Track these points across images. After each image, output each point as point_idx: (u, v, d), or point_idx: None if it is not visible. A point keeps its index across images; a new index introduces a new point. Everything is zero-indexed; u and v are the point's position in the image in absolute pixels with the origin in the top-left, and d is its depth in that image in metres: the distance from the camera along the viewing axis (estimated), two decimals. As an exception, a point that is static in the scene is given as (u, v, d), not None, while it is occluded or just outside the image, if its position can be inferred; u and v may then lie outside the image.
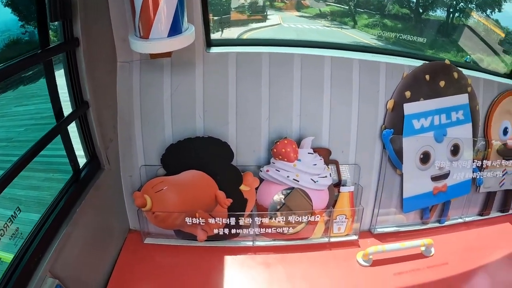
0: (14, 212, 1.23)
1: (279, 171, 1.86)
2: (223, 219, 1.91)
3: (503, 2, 2.97)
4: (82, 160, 1.79)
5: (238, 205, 1.91)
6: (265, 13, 3.73)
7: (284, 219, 1.92)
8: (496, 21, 3.11)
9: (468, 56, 2.84)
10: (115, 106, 1.95)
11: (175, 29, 1.56)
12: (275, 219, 1.92)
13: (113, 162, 1.92)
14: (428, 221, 2.32)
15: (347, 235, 2.10)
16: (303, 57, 1.93)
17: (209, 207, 1.92)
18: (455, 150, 2.23)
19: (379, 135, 2.08)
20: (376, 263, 2.00)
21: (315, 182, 1.88)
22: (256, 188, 1.95)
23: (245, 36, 3.45)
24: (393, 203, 2.20)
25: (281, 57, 1.93)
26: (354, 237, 2.11)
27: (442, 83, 2.14)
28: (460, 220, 2.42)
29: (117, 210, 2.05)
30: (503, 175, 2.44)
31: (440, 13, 3.69)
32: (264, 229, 1.95)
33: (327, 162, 1.97)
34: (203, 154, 1.89)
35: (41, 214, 1.42)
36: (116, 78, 1.92)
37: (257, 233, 1.97)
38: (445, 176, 2.23)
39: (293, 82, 1.94)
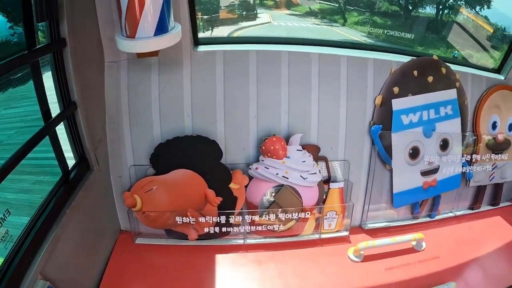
0: (4, 215, 1.22)
1: (268, 168, 1.86)
2: (214, 218, 1.91)
3: (491, -2, 2.99)
4: (72, 162, 1.78)
5: (228, 203, 1.91)
6: (255, 12, 3.72)
7: (274, 217, 1.92)
8: (485, 17, 3.13)
9: (456, 52, 2.86)
10: (103, 106, 1.94)
11: (161, 28, 1.56)
12: (265, 216, 1.91)
13: (102, 163, 1.91)
14: (419, 216, 2.34)
15: (337, 231, 2.11)
16: (291, 54, 1.94)
17: (199, 206, 1.92)
18: (444, 145, 2.24)
19: (368, 131, 2.09)
20: (367, 258, 2.01)
21: (304, 179, 1.88)
22: (246, 186, 1.95)
23: (235, 35, 3.44)
24: (383, 199, 2.21)
25: (269, 55, 1.93)
26: (345, 233, 2.12)
27: (430, 79, 2.16)
28: (450, 214, 2.44)
29: (107, 211, 2.04)
30: (492, 169, 2.46)
31: (429, 10, 3.71)
32: (254, 226, 1.95)
33: (316, 158, 1.97)
34: (192, 153, 1.88)
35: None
36: (104, 78, 1.90)
37: (247, 231, 1.97)
38: (435, 170, 2.25)
39: (281, 80, 1.94)
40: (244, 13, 3.61)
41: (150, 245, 2.04)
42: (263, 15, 3.86)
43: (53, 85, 1.62)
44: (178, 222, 1.89)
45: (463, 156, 2.32)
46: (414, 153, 2.16)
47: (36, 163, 2.97)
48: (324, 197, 2.06)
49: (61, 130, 1.71)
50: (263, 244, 2.02)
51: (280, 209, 1.92)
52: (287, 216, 1.92)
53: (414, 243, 2.12)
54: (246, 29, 3.62)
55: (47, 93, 1.59)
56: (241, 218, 1.92)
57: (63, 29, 1.48)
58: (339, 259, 1.99)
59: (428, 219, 2.37)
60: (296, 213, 1.93)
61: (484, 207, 2.58)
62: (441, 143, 2.23)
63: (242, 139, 1.97)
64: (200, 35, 2.72)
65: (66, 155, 1.73)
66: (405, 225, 2.30)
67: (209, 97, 1.92)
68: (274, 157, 1.85)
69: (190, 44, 1.90)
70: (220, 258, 1.95)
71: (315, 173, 1.91)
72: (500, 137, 2.41)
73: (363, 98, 2.04)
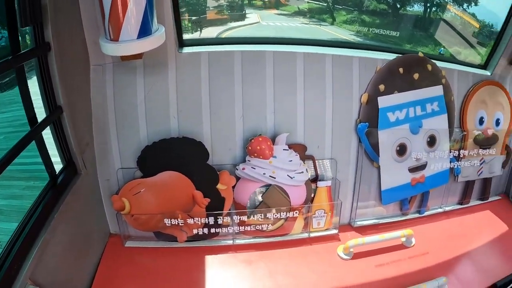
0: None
1: (255, 168, 1.86)
2: (202, 219, 1.91)
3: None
4: (59, 166, 1.78)
5: (216, 204, 1.91)
6: (244, 12, 3.72)
7: (262, 216, 1.92)
8: (473, 14, 3.15)
9: (442, 48, 2.88)
10: (89, 109, 1.93)
11: (144, 30, 1.55)
12: (253, 216, 1.91)
13: (90, 167, 1.90)
14: (408, 212, 2.35)
15: (327, 229, 2.12)
16: (276, 54, 1.94)
17: (187, 207, 1.92)
18: (431, 141, 2.26)
19: (355, 129, 2.10)
20: (357, 256, 2.02)
21: (291, 178, 1.88)
22: (233, 187, 1.95)
23: (224, 35, 3.44)
24: (371, 196, 2.22)
25: (253, 55, 1.93)
26: (334, 231, 2.12)
27: (416, 76, 2.17)
28: (440, 210, 2.46)
29: (96, 214, 2.03)
30: (480, 164, 2.48)
31: (417, 8, 3.73)
32: (243, 227, 1.95)
33: (303, 157, 1.98)
34: (178, 154, 1.88)
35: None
36: (90, 82, 1.90)
37: (236, 231, 1.97)
38: (423, 167, 2.26)
39: (266, 80, 1.94)
40: (233, 13, 3.61)
41: (140, 248, 2.03)
42: (252, 15, 3.85)
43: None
44: (167, 224, 1.89)
45: (450, 152, 2.33)
46: (401, 150, 2.17)
47: (25, 169, 2.96)
48: (312, 195, 2.06)
49: (48, 134, 1.71)
50: (253, 244, 2.02)
51: (268, 209, 1.92)
52: (276, 215, 1.92)
53: (403, 239, 2.13)
54: (235, 29, 3.62)
55: (35, 98, 1.59)
56: (229, 218, 1.91)
57: (48, 34, 1.47)
58: (328, 257, 2.00)
59: (417, 215, 2.39)
60: (285, 213, 1.93)
61: (474, 202, 2.60)
62: (428, 139, 2.24)
63: (229, 140, 1.97)
64: (189, 36, 2.72)
65: (53, 159, 1.72)
66: (395, 221, 2.31)
67: (194, 99, 1.92)
68: (261, 157, 1.85)
69: (174, 45, 1.89)
70: (210, 259, 1.95)
71: (302, 172, 1.92)
72: (490, 131, 2.43)
73: (349, 96, 2.04)
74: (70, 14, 1.66)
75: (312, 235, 2.09)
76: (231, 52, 1.91)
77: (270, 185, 1.91)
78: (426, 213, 2.41)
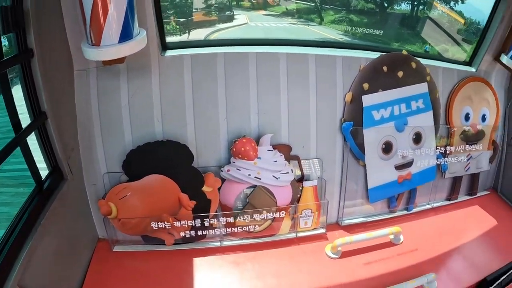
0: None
1: (240, 170, 1.87)
2: (189, 222, 1.90)
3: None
4: (46, 172, 1.77)
5: (202, 207, 1.91)
6: (232, 13, 3.72)
7: (249, 218, 1.92)
8: (460, 12, 3.17)
9: (428, 46, 2.90)
10: (74, 114, 1.93)
11: (126, 34, 1.55)
12: (240, 218, 1.91)
13: (76, 172, 1.90)
14: (396, 210, 2.36)
15: (314, 229, 2.12)
16: (258, 55, 1.95)
17: (173, 210, 1.91)
18: (417, 138, 2.27)
19: (339, 128, 2.11)
20: (345, 254, 2.03)
21: (277, 178, 1.89)
22: (219, 188, 1.95)
23: (212, 37, 3.43)
24: (359, 194, 2.23)
25: (236, 57, 1.94)
26: (322, 231, 2.13)
27: (400, 74, 2.18)
28: (428, 206, 2.47)
29: (84, 219, 2.02)
30: (467, 160, 2.49)
31: (405, 7, 3.74)
32: (230, 228, 1.95)
33: (288, 158, 1.98)
34: (163, 158, 1.88)
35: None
36: (74, 87, 1.89)
37: (223, 233, 1.97)
38: (409, 164, 2.27)
39: (249, 81, 1.95)
40: (221, 15, 3.61)
41: (128, 252, 2.02)
42: (240, 16, 3.85)
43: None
44: (154, 228, 1.88)
45: (437, 149, 2.34)
46: (387, 148, 2.18)
47: (15, 175, 2.95)
48: (299, 195, 2.06)
49: (34, 140, 1.70)
50: (240, 245, 2.03)
51: (254, 210, 1.92)
52: (262, 216, 1.92)
53: (391, 236, 2.14)
54: (223, 30, 3.61)
55: (20, 104, 1.59)
56: (216, 220, 1.91)
57: (30, 40, 1.47)
58: (316, 256, 2.00)
59: (405, 212, 2.40)
60: (271, 213, 1.93)
61: (462, 197, 2.62)
62: (414, 136, 2.25)
63: (213, 142, 1.97)
64: (178, 38, 2.72)
65: (39, 165, 1.72)
66: (383, 219, 2.32)
67: (178, 101, 1.92)
68: (245, 158, 1.86)
69: (157, 49, 1.89)
70: (198, 261, 1.95)
71: (288, 172, 1.92)
72: (479, 126, 2.45)
73: (333, 96, 2.05)
74: (52, 20, 1.66)
75: (300, 235, 2.09)
76: (214, 54, 1.92)
77: (256, 186, 1.91)
78: (414, 210, 2.42)
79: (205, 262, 1.94)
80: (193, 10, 3.47)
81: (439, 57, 2.61)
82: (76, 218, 1.92)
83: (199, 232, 1.95)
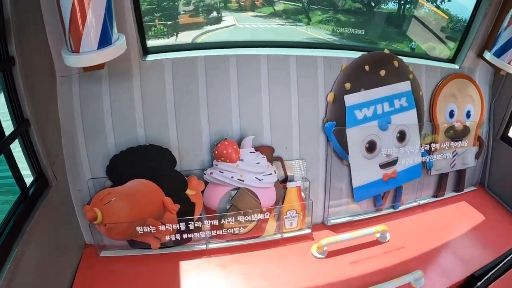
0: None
1: (222, 172, 1.87)
2: (174, 225, 1.91)
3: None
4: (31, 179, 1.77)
5: (186, 210, 1.92)
6: (220, 15, 3.73)
7: (233, 220, 1.92)
8: (446, 10, 3.18)
9: (413, 43, 2.91)
10: (57, 121, 1.92)
11: (105, 40, 1.56)
12: (224, 220, 1.92)
13: (61, 178, 1.90)
14: (382, 208, 2.37)
15: (300, 229, 2.12)
16: (239, 58, 1.95)
17: (158, 214, 1.92)
18: (401, 137, 2.28)
19: (322, 128, 2.11)
20: (331, 254, 2.03)
21: (260, 180, 1.89)
22: (203, 191, 1.95)
23: (200, 39, 3.43)
24: (344, 194, 2.23)
25: (216, 60, 1.94)
26: (308, 231, 2.13)
27: (382, 73, 2.19)
28: (414, 204, 2.48)
29: (70, 226, 2.02)
30: (453, 156, 2.50)
31: (392, 6, 3.75)
32: (215, 231, 1.96)
33: (271, 159, 1.99)
34: (146, 162, 1.88)
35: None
36: (57, 93, 1.89)
37: (209, 236, 1.97)
38: (394, 162, 2.28)
39: (230, 83, 1.95)
40: (209, 17, 3.61)
41: (115, 257, 2.02)
42: (228, 18, 3.86)
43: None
44: (139, 232, 1.89)
45: (422, 146, 2.35)
46: (371, 147, 2.18)
47: (2, 183, 2.94)
48: (283, 197, 2.06)
49: (18, 147, 1.71)
50: (226, 247, 2.03)
51: (238, 212, 1.92)
52: (247, 218, 1.92)
53: (378, 235, 2.15)
54: (211, 32, 3.61)
55: (3, 111, 1.59)
56: (200, 223, 1.92)
57: (11, 48, 1.47)
58: (303, 257, 2.01)
59: (391, 210, 2.41)
60: (256, 215, 1.94)
61: (449, 194, 2.63)
62: (398, 135, 2.26)
63: (196, 145, 1.97)
64: (165, 41, 2.71)
65: (24, 172, 1.72)
66: (369, 218, 2.33)
67: (160, 106, 1.93)
68: (228, 160, 1.86)
69: (138, 54, 1.90)
70: (184, 265, 1.95)
71: (271, 173, 1.93)
72: (463, 123, 2.46)
73: (315, 96, 2.06)
74: (34, 28, 1.66)
75: (286, 235, 2.10)
76: (195, 58, 1.92)
77: (239, 188, 1.92)
78: (401, 208, 2.43)
79: (192, 265, 1.95)
80: (181, 12, 3.47)
81: (422, 55, 2.62)
82: (62, 224, 1.92)
83: (185, 236, 1.95)
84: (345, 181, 2.20)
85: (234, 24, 3.86)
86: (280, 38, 3.56)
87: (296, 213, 2.05)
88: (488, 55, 2.40)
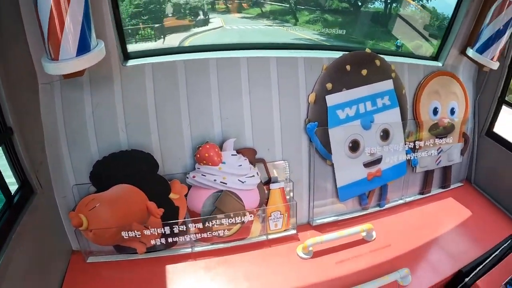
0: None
1: (205, 175, 1.88)
2: (158, 229, 1.91)
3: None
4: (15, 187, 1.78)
5: (170, 214, 1.92)
6: (207, 17, 3.73)
7: (217, 223, 1.93)
8: (433, 8, 3.20)
9: (398, 40, 2.92)
10: (40, 128, 1.93)
11: (83, 47, 1.56)
12: (209, 223, 1.92)
13: (45, 185, 1.90)
14: (368, 207, 2.37)
15: (285, 230, 2.13)
16: (219, 61, 1.96)
17: (142, 219, 1.92)
18: (385, 135, 2.29)
19: (304, 129, 2.12)
20: (317, 254, 2.04)
21: (243, 182, 1.90)
22: (186, 195, 1.96)
23: (187, 41, 3.44)
24: (328, 194, 2.24)
25: (196, 63, 1.95)
26: (293, 232, 2.14)
27: (364, 72, 2.20)
28: (400, 201, 2.49)
29: (56, 232, 2.02)
30: (438, 153, 2.52)
31: (378, 5, 3.77)
32: (200, 234, 1.96)
33: (254, 161, 1.99)
34: (128, 167, 1.89)
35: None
36: (39, 100, 1.89)
37: (194, 239, 1.97)
38: (378, 161, 2.29)
39: (210, 87, 1.96)
40: (196, 19, 3.62)
41: (102, 263, 2.03)
42: (215, 20, 3.86)
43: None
44: (125, 237, 1.89)
45: (406, 144, 2.36)
46: (354, 146, 2.19)
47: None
48: (267, 198, 2.07)
49: (2, 155, 1.71)
50: (212, 250, 2.03)
51: (222, 215, 1.93)
52: (231, 220, 1.93)
53: (364, 234, 2.16)
54: (199, 35, 3.62)
55: None
56: (185, 227, 1.92)
57: None
58: (288, 258, 2.02)
59: (378, 208, 2.42)
60: (239, 217, 1.94)
61: (435, 191, 2.64)
62: (382, 133, 2.27)
63: (178, 149, 1.98)
64: (152, 44, 2.72)
65: (9, 180, 1.72)
66: (355, 217, 2.34)
67: (141, 111, 1.93)
68: (210, 164, 1.87)
69: (118, 59, 1.90)
70: (170, 268, 1.95)
71: (253, 175, 1.93)
72: (444, 121, 2.47)
73: (296, 97, 2.07)
74: (14, 35, 1.66)
75: (271, 237, 2.10)
76: (174, 62, 1.93)
77: (222, 191, 1.92)
78: (387, 206, 2.44)
79: (178, 269, 1.95)
80: (169, 15, 3.48)
81: (404, 54, 2.64)
82: (49, 231, 1.92)
83: (170, 239, 1.96)
84: (329, 181, 2.21)
85: (222, 26, 3.87)
86: (269, 38, 3.57)
87: (280, 214, 2.06)
88: (470, 52, 2.41)
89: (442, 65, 2.55)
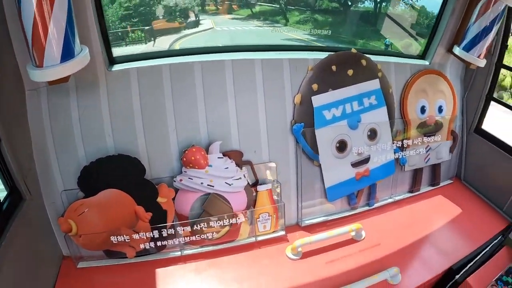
0: None
1: (192, 179, 1.88)
2: (147, 233, 1.92)
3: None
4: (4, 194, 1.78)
5: (158, 218, 1.93)
6: (198, 19, 3.75)
7: (206, 225, 1.94)
8: (422, 7, 3.22)
9: (387, 39, 2.94)
10: (28, 134, 1.93)
11: (67, 53, 1.56)
12: (197, 226, 1.93)
13: (34, 191, 1.90)
14: (357, 206, 2.38)
15: (274, 231, 2.14)
16: (203, 64, 1.96)
17: (131, 223, 1.93)
18: (372, 135, 2.29)
19: (290, 130, 2.12)
20: (306, 254, 2.05)
21: (230, 185, 1.91)
22: (174, 199, 1.96)
23: (178, 43, 3.46)
24: (317, 194, 2.25)
25: (181, 67, 1.95)
26: (282, 233, 2.15)
27: (350, 72, 2.20)
28: (390, 200, 2.50)
29: (47, 238, 2.03)
30: (427, 151, 2.53)
31: (368, 4, 3.79)
32: (188, 237, 1.97)
33: (240, 163, 2.00)
34: (115, 172, 1.89)
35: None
36: (26, 107, 1.90)
37: (183, 242, 1.98)
38: (366, 160, 2.30)
39: (195, 90, 1.97)
40: (187, 21, 3.63)
41: (92, 268, 2.03)
42: (206, 21, 3.88)
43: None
44: (114, 242, 1.90)
45: (394, 143, 2.37)
46: (342, 146, 2.20)
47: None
48: (254, 200, 2.08)
49: None
50: (201, 253, 2.04)
51: (210, 217, 1.94)
52: (219, 223, 1.94)
53: (353, 233, 2.17)
54: (189, 36, 3.64)
55: None
56: (173, 230, 1.93)
57: None
58: (277, 259, 2.02)
59: (367, 208, 2.42)
60: (227, 219, 1.95)
61: (425, 188, 2.66)
62: (369, 133, 2.28)
63: (164, 153, 1.98)
64: (143, 46, 2.72)
65: None
66: (344, 217, 2.35)
67: (127, 115, 1.94)
68: (196, 167, 1.87)
69: (103, 64, 1.91)
70: (160, 272, 1.96)
71: (240, 178, 1.94)
72: (432, 119, 2.48)
73: (282, 99, 2.08)
74: (1, 43, 1.67)
75: (260, 238, 2.11)
76: (159, 66, 1.93)
77: (209, 193, 1.93)
78: (376, 205, 2.45)
79: (168, 272, 1.96)
80: (160, 17, 3.49)
81: (391, 53, 2.65)
82: (39, 238, 1.93)
83: (159, 243, 1.97)
84: (317, 182, 2.22)
85: (212, 27, 3.89)
86: (260, 39, 3.58)
87: (268, 215, 2.07)
88: (457, 50, 2.42)
89: (429, 64, 2.56)
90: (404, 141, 2.42)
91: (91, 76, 1.88)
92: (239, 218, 1.97)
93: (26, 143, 1.92)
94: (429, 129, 2.49)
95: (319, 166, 2.18)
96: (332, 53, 2.19)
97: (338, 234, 2.10)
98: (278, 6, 4.06)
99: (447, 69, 2.62)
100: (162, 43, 3.38)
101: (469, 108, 2.70)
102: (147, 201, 1.92)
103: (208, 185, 1.89)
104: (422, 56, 2.60)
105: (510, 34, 2.56)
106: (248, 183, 2.03)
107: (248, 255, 2.04)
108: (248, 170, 2.05)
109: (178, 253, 2.03)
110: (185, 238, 1.98)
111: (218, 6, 4.03)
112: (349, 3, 4.01)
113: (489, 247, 2.21)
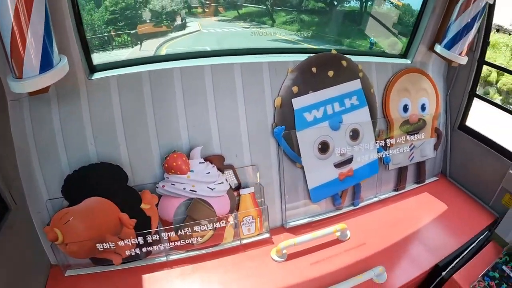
0: None
1: (174, 184, 1.90)
2: (132, 240, 1.94)
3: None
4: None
5: (143, 224, 1.94)
6: (184, 21, 3.75)
7: (190, 230, 1.95)
8: (408, 5, 3.23)
9: (372, 38, 2.95)
10: (12, 145, 1.94)
11: (46, 64, 1.58)
12: (181, 231, 1.95)
13: (19, 201, 1.91)
14: (342, 206, 2.40)
15: (259, 234, 2.15)
16: (182, 70, 1.98)
17: (116, 230, 1.95)
18: (354, 135, 2.31)
19: (272, 133, 2.14)
20: (292, 256, 2.06)
21: (212, 189, 1.92)
22: (157, 205, 1.98)
23: (165, 47, 3.46)
24: (300, 196, 2.26)
25: (161, 73, 1.96)
26: (266, 235, 2.16)
27: (330, 73, 2.22)
28: (375, 199, 2.52)
29: (34, 248, 2.03)
30: (411, 150, 2.54)
31: (354, 3, 3.80)
32: (173, 243, 1.98)
33: (222, 168, 2.02)
34: (98, 180, 1.91)
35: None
36: (9, 117, 1.91)
37: (168, 247, 1.99)
38: (349, 161, 2.31)
39: (175, 96, 1.98)
40: (173, 23, 3.63)
41: (80, 276, 2.04)
42: (192, 24, 3.88)
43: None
44: (100, 249, 1.92)
45: (376, 142, 2.39)
46: (324, 148, 2.22)
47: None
48: (237, 203, 2.09)
49: None
50: (186, 258, 2.05)
51: (194, 222, 1.95)
52: (203, 228, 1.96)
53: (338, 234, 2.18)
54: (176, 39, 3.64)
55: None
56: (158, 236, 1.95)
57: None
58: (262, 261, 2.04)
59: (352, 207, 2.44)
60: (211, 224, 1.97)
61: (410, 186, 2.67)
62: (351, 133, 2.29)
63: (146, 159, 2.00)
64: (129, 50, 2.71)
65: None
66: (329, 217, 2.36)
67: (108, 123, 1.95)
68: (178, 172, 1.89)
69: (83, 73, 1.92)
70: (146, 278, 1.97)
71: (222, 182, 1.96)
72: (415, 118, 2.50)
73: (262, 102, 2.09)
74: None
75: (244, 241, 2.13)
76: (139, 73, 1.95)
77: (192, 198, 1.95)
78: (361, 204, 2.46)
79: (154, 278, 1.97)
80: (146, 21, 3.49)
81: (373, 53, 2.67)
82: (26, 247, 1.94)
83: (144, 249, 1.98)
84: (300, 184, 2.23)
85: (199, 30, 3.89)
86: (246, 41, 3.58)
87: (252, 218, 2.08)
88: (438, 48, 2.44)
89: (411, 62, 2.57)
90: (387, 140, 2.44)
91: (71, 85, 1.89)
92: (223, 222, 1.98)
93: (10, 153, 1.93)
94: (413, 128, 2.51)
95: (302, 168, 2.19)
96: (312, 55, 2.20)
97: (323, 235, 2.11)
98: (264, 7, 4.07)
99: (429, 67, 2.64)
100: (149, 46, 3.38)
101: (453, 105, 2.72)
102: (130, 208, 1.93)
103: (190, 190, 1.91)
104: (404, 55, 2.62)
105: (494, 30, 2.58)
106: (231, 187, 2.04)
107: (233, 258, 2.06)
108: (230, 174, 2.06)
109: (164, 259, 2.05)
110: (170, 243, 1.99)
111: (205, 9, 4.03)
112: (335, 3, 4.02)
113: (476, 242, 2.23)
